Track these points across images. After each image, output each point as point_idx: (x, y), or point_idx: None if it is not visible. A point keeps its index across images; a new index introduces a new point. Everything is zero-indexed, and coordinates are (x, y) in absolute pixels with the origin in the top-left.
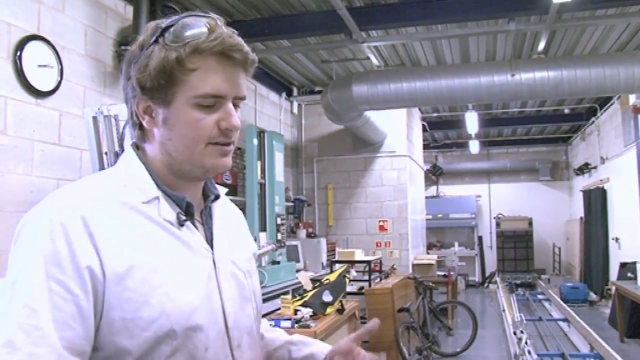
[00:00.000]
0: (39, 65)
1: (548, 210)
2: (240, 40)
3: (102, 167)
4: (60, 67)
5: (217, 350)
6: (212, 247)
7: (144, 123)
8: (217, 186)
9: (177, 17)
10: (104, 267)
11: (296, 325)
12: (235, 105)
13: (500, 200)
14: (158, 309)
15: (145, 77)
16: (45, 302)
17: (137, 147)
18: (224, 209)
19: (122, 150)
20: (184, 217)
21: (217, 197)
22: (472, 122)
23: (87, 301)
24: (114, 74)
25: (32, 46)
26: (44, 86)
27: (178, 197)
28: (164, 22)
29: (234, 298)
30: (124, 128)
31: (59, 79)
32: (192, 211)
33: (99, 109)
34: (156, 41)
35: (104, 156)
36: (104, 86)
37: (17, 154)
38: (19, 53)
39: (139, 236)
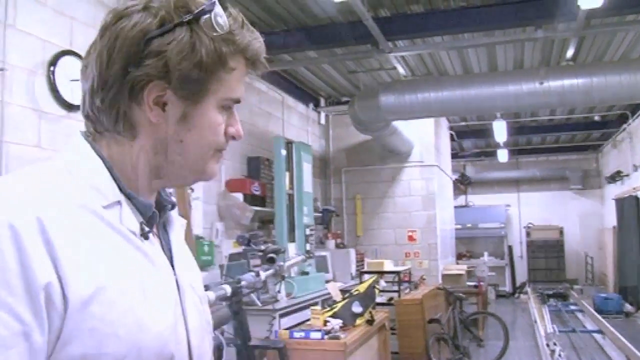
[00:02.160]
0: (71, 80)
1: (579, 219)
2: None
3: None
4: None
5: None
6: (172, 267)
7: (150, 116)
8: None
9: (207, 2)
10: (65, 288)
11: (326, 337)
12: None
13: (530, 209)
14: (127, 342)
15: (191, 64)
16: None
17: (89, 138)
18: (177, 221)
19: None
20: (147, 228)
21: (173, 205)
22: (500, 130)
23: (41, 334)
24: None
25: (65, 61)
26: (75, 99)
27: (143, 204)
28: (190, 4)
29: (197, 327)
30: None
31: None
32: (155, 222)
33: None
34: (188, 24)
35: None
36: None
37: None
38: (52, 68)
39: (104, 249)
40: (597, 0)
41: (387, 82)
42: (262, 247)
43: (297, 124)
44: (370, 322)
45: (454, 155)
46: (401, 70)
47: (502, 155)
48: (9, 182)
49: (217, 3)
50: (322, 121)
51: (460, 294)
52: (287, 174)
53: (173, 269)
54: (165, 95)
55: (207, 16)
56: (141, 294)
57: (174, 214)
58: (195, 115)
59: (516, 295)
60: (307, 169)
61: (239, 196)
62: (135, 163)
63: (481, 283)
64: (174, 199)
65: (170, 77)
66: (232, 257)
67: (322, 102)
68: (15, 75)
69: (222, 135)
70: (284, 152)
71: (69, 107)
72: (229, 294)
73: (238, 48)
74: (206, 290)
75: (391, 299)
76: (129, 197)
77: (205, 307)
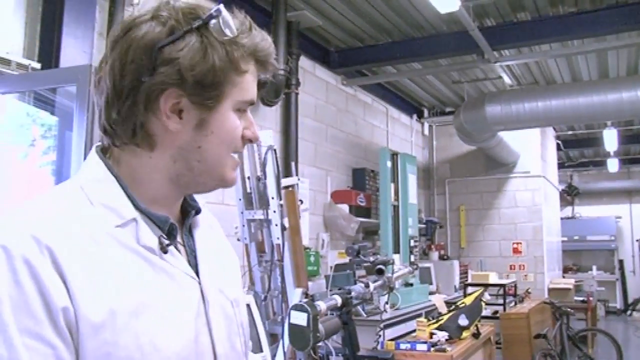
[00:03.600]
0: None
1: None
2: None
3: (245, 192)
4: None
5: None
6: (197, 274)
7: (168, 124)
8: (195, 196)
9: (214, 8)
10: (77, 314)
11: (432, 349)
12: None
13: None
14: None
15: (204, 70)
16: None
17: (103, 153)
18: (204, 223)
19: (265, 175)
20: (167, 242)
21: (198, 211)
22: (611, 139)
23: (70, 355)
24: None
25: None
26: None
27: (160, 218)
28: (197, 7)
29: (224, 335)
30: (266, 153)
31: None
32: (176, 233)
33: None
34: (197, 30)
35: (247, 180)
36: None
37: None
38: None
39: (116, 271)
40: None
41: (493, 92)
42: (371, 259)
43: (401, 135)
44: (476, 335)
45: (561, 165)
46: (507, 79)
47: (612, 164)
48: (17, 213)
49: (223, 8)
50: (426, 132)
51: (568, 309)
52: (392, 185)
53: (198, 276)
54: (181, 102)
55: (215, 21)
56: (156, 314)
57: (202, 217)
58: (212, 120)
59: (628, 312)
60: (412, 180)
61: (345, 207)
62: (155, 174)
63: (590, 298)
64: (199, 203)
65: (185, 84)
66: (337, 267)
67: (426, 112)
68: None
69: (240, 139)
70: (389, 163)
71: None
72: (339, 305)
73: (248, 50)
74: (315, 300)
75: (496, 312)
76: (144, 212)
77: (238, 310)
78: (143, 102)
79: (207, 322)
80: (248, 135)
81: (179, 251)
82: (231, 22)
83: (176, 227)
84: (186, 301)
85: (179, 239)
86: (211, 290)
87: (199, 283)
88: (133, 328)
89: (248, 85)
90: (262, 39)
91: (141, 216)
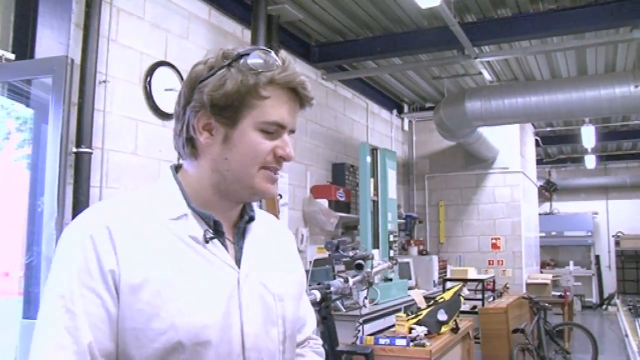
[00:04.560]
0: (166, 89)
1: None
2: (306, 79)
3: None
4: None
5: None
6: (239, 266)
7: (201, 139)
8: (260, 211)
9: (249, 47)
10: (120, 277)
11: (411, 344)
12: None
13: (619, 217)
14: (167, 321)
15: (219, 94)
16: (80, 307)
17: (175, 169)
18: (264, 231)
19: None
20: (210, 234)
21: (251, 218)
22: (588, 136)
23: (114, 305)
24: None
25: (160, 72)
26: (169, 108)
27: (206, 215)
28: (235, 50)
29: (257, 320)
30: None
31: None
32: (221, 229)
33: None
34: (229, 65)
35: None
36: None
37: (145, 173)
38: (148, 79)
39: (159, 250)
40: None
41: (473, 88)
42: (351, 254)
43: (381, 130)
44: (455, 330)
45: (539, 162)
46: (487, 75)
47: (590, 161)
48: (101, 204)
49: (256, 50)
50: (406, 127)
51: (546, 304)
52: (372, 180)
53: (238, 267)
54: (212, 122)
55: (243, 59)
56: (188, 287)
57: (256, 225)
58: (234, 135)
59: (604, 307)
60: (392, 175)
61: (324, 202)
62: (202, 181)
63: (567, 293)
64: (256, 213)
65: (209, 106)
66: (316, 262)
67: (406, 108)
68: (116, 86)
69: (264, 153)
70: (369, 158)
71: (163, 115)
72: (318, 299)
73: (266, 79)
74: None
75: (475, 307)
76: (195, 210)
77: (282, 304)
78: (187, 122)
79: (239, 304)
80: (279, 153)
81: (224, 246)
82: (259, 59)
83: (221, 224)
84: (221, 284)
85: (229, 237)
86: (249, 280)
87: (238, 272)
88: (163, 294)
89: (269, 109)
90: (290, 72)
91: (192, 213)
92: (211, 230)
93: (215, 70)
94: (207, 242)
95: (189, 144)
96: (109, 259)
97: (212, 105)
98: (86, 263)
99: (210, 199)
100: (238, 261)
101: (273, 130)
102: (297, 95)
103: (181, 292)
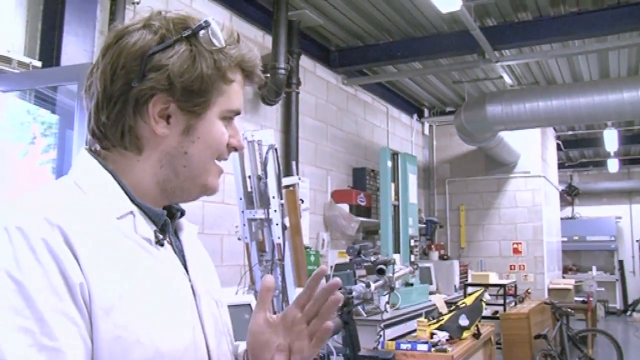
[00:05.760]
0: None
1: None
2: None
3: (246, 191)
4: None
5: None
6: (187, 272)
7: (156, 129)
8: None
9: (203, 19)
10: (90, 293)
11: (433, 349)
12: None
13: None
14: (151, 349)
15: (193, 77)
16: (62, 341)
17: (95, 154)
18: (188, 227)
19: (266, 174)
20: (162, 236)
21: (182, 213)
22: (611, 139)
23: (88, 333)
24: (253, 100)
25: None
26: None
27: (155, 213)
28: (185, 18)
29: (213, 331)
30: (267, 152)
31: None
32: (168, 230)
33: (243, 134)
34: (188, 38)
35: (248, 180)
36: (245, 112)
37: None
38: None
39: (121, 258)
40: None
41: (494, 92)
42: (372, 259)
43: (401, 134)
44: (476, 335)
45: (561, 165)
46: (507, 79)
47: (612, 165)
48: (27, 198)
49: (212, 20)
50: (426, 132)
51: (568, 310)
52: (393, 184)
53: (188, 274)
54: (170, 108)
55: (204, 31)
56: (160, 301)
57: (184, 220)
58: (199, 126)
59: (628, 313)
60: (412, 179)
61: (345, 207)
62: (143, 177)
63: (590, 299)
64: (182, 206)
65: (173, 90)
66: (337, 267)
67: (426, 112)
68: None
69: (225, 146)
70: (389, 163)
71: None
72: (340, 304)
73: (235, 61)
74: None
75: (496, 312)
76: (140, 207)
77: (223, 310)
78: (132, 106)
79: (199, 316)
80: (233, 144)
81: (173, 249)
82: (219, 33)
83: (169, 223)
84: (181, 295)
85: (167, 237)
86: (200, 288)
87: (189, 279)
88: (141, 313)
89: (234, 94)
90: (249, 50)
91: (138, 210)
92: (159, 231)
93: (172, 43)
94: (161, 245)
95: (129, 134)
96: (73, 268)
97: (183, 90)
98: (47, 278)
99: (150, 197)
100: (183, 265)
101: (231, 117)
102: (253, 78)
103: (154, 309)
